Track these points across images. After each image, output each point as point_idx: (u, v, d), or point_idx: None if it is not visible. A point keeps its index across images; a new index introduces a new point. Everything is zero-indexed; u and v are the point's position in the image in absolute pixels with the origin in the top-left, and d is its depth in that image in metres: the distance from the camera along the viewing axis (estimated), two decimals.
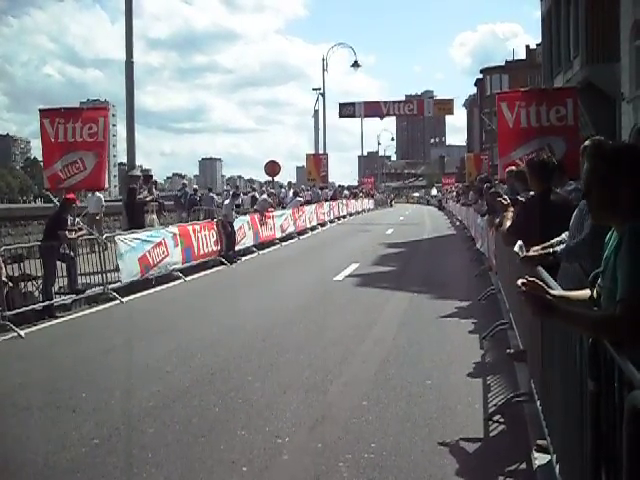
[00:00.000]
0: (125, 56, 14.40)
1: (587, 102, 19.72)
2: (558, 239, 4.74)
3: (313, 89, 39.77)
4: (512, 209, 6.25)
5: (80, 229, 11.28)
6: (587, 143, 4.89)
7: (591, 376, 2.31)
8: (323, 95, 39.14)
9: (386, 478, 4.07)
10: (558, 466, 3.34)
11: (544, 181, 5.73)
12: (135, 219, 13.69)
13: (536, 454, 4.22)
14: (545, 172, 5.77)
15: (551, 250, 4.66)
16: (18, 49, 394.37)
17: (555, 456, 3.45)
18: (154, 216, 15.40)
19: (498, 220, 7.86)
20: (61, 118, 11.96)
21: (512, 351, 6.40)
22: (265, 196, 22.22)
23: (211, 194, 23.57)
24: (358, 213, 43.55)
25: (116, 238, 11.70)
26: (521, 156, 10.39)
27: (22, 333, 8.56)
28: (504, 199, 6.86)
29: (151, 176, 16.33)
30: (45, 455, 4.59)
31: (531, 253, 4.74)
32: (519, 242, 4.99)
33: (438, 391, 5.79)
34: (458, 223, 29.07)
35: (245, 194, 26.83)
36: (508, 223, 6.07)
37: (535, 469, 4.08)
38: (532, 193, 6.04)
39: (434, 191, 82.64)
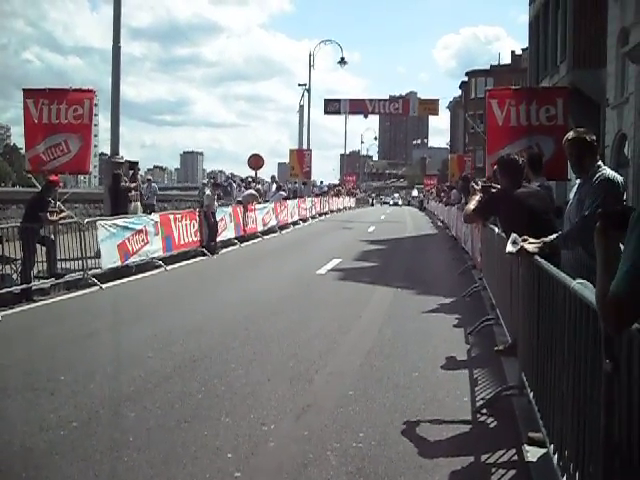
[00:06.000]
0: (112, 40, 14.07)
1: (572, 107, 19.81)
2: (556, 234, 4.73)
3: (299, 84, 39.59)
4: (480, 194, 6.42)
5: (62, 211, 11.06)
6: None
7: (608, 356, 2.24)
8: (309, 91, 38.95)
9: (376, 468, 3.97)
10: (556, 456, 3.27)
11: (512, 178, 6.00)
12: (118, 205, 13.46)
13: (527, 447, 4.17)
14: (513, 170, 6.04)
15: (547, 241, 4.62)
16: None
17: (552, 446, 3.39)
18: (137, 203, 15.18)
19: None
20: (45, 99, 11.74)
21: (500, 348, 6.34)
22: (251, 190, 22.06)
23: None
24: (340, 210, 43.61)
25: (97, 223, 11.48)
26: (508, 154, 10.38)
27: None
28: (476, 183, 7.23)
29: (136, 163, 16.08)
30: (22, 437, 4.43)
31: (527, 245, 4.68)
32: (513, 235, 4.94)
33: (425, 383, 5.72)
34: (440, 223, 29.14)
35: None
36: (472, 205, 6.24)
37: (527, 461, 4.03)
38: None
39: (415, 192, 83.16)
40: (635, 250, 1.84)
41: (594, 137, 4.77)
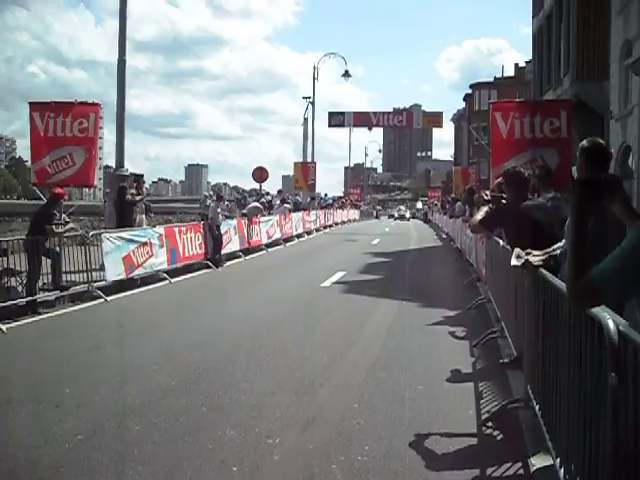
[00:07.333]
0: (118, 54, 14.19)
1: (576, 119, 19.83)
2: (560, 244, 4.70)
3: (303, 97, 39.79)
4: (489, 205, 6.47)
5: (67, 223, 11.09)
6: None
7: (613, 368, 2.24)
8: (313, 104, 39.11)
9: None
10: (562, 470, 3.25)
11: (518, 191, 6.10)
12: (124, 218, 13.50)
13: (533, 459, 4.14)
14: (518, 183, 6.17)
15: (552, 254, 4.61)
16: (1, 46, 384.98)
17: (558, 460, 3.37)
18: (143, 216, 15.22)
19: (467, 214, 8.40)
20: (51, 112, 11.81)
21: (506, 360, 6.33)
22: (256, 203, 22.11)
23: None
24: (344, 223, 43.66)
25: (102, 236, 11.51)
26: (514, 167, 10.38)
27: (4, 328, 8.37)
28: (486, 194, 7.31)
29: (142, 175, 16.14)
30: (27, 449, 4.43)
31: (531, 258, 4.68)
32: (516, 250, 4.94)
33: (430, 396, 5.69)
34: (444, 236, 29.12)
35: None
36: (479, 216, 6.35)
37: (533, 473, 4.01)
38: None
39: (419, 204, 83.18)
40: (632, 257, 1.95)
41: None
